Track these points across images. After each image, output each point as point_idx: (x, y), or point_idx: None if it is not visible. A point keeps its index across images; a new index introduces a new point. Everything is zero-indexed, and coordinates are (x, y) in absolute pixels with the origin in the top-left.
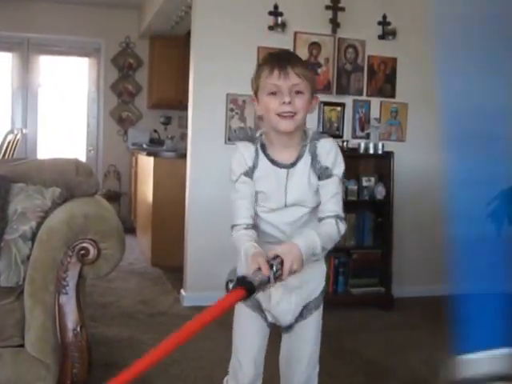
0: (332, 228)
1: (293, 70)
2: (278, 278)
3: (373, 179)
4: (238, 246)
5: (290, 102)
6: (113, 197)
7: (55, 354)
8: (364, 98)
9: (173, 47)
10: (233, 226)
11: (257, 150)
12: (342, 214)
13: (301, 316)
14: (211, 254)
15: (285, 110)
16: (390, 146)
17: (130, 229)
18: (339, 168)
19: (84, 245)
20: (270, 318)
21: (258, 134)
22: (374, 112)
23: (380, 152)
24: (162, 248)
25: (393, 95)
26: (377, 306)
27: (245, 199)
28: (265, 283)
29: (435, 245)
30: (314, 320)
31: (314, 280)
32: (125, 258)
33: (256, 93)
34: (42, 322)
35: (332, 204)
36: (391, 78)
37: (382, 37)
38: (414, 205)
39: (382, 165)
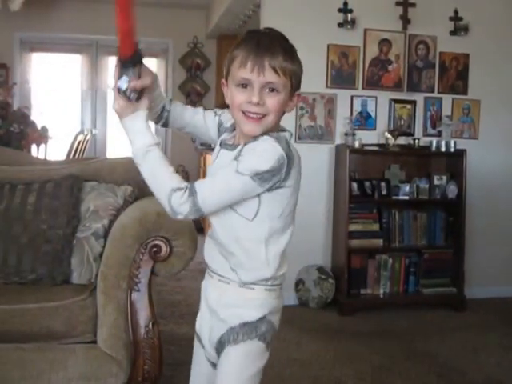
0: (170, 182)
1: (270, 63)
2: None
3: (444, 178)
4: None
5: (258, 103)
6: None
7: (127, 350)
8: (435, 95)
9: None
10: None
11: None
12: (197, 186)
13: (217, 350)
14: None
15: (251, 109)
16: (463, 144)
17: (199, 229)
18: (246, 162)
19: (156, 242)
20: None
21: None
22: (446, 109)
23: (452, 150)
24: None
25: (465, 92)
26: (448, 307)
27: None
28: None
29: (509, 244)
30: (233, 355)
31: (234, 306)
32: (194, 257)
33: (226, 76)
34: (115, 319)
35: (200, 181)
36: (463, 75)
37: (453, 32)
38: (486, 204)
39: (454, 163)
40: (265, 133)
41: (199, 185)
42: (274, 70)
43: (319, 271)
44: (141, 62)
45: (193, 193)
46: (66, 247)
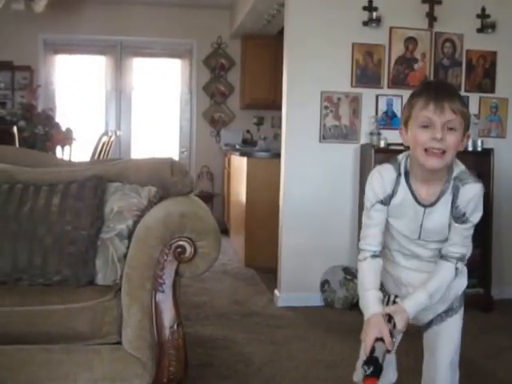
0: (450, 277)
1: (449, 105)
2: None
3: None
4: (361, 281)
5: (441, 139)
6: (206, 198)
7: (152, 351)
8: (462, 93)
9: (265, 46)
10: (360, 250)
11: (398, 177)
12: (465, 255)
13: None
14: (306, 255)
15: (435, 146)
16: (490, 143)
17: (222, 230)
18: (476, 216)
19: (180, 243)
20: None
21: (401, 158)
22: (473, 108)
23: (479, 149)
24: (256, 249)
25: (492, 90)
26: (476, 308)
27: (376, 227)
28: (385, 355)
29: None
30: (452, 323)
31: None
32: (218, 258)
33: (406, 122)
34: (139, 320)
35: (459, 247)
36: (491, 73)
37: (480, 30)
38: None
39: (481, 162)
40: (462, 174)
41: (465, 251)
42: (453, 110)
43: (345, 271)
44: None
45: (464, 257)
46: (90, 248)
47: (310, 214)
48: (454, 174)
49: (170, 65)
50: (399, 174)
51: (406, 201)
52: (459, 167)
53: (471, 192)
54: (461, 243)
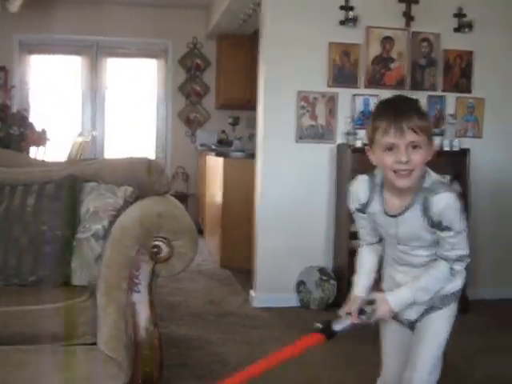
0: (441, 275)
1: (408, 125)
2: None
3: (448, 177)
4: (357, 264)
5: (407, 161)
6: (180, 198)
7: (127, 352)
8: (439, 93)
9: (240, 46)
10: (359, 243)
11: (372, 188)
12: (462, 256)
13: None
14: (282, 255)
15: (401, 168)
16: (467, 143)
17: (197, 230)
18: (457, 224)
19: (157, 243)
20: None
21: (379, 169)
22: (450, 108)
23: (456, 149)
24: (231, 249)
25: (469, 90)
26: None
27: (364, 228)
28: (348, 328)
29: None
30: (438, 317)
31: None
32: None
33: (371, 144)
34: (115, 320)
35: (451, 251)
36: (467, 73)
37: (457, 29)
38: (491, 204)
39: (457, 162)
40: (433, 185)
41: (460, 252)
42: (413, 130)
43: (320, 272)
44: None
45: (461, 257)
46: (65, 249)
47: (286, 215)
48: (425, 185)
49: (146, 65)
50: (374, 185)
51: (379, 211)
52: (431, 177)
53: (442, 202)
54: (451, 248)
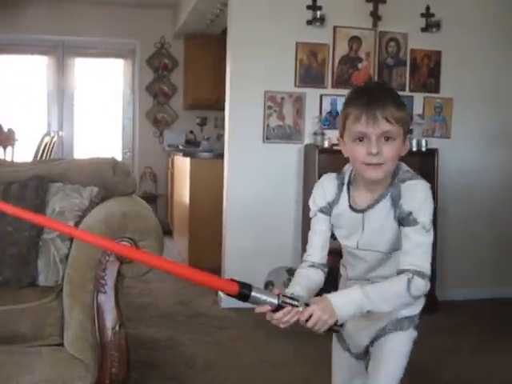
0: (398, 287)
1: (382, 114)
2: (292, 310)
3: None
4: (293, 280)
5: (377, 153)
6: (149, 199)
7: (94, 353)
8: (407, 93)
9: (208, 46)
10: (302, 260)
11: (340, 186)
12: (424, 269)
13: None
14: (250, 256)
15: (372, 161)
16: (434, 143)
17: (166, 231)
18: (424, 215)
19: (122, 243)
20: (352, 349)
21: (346, 168)
22: (417, 108)
23: (423, 149)
24: (200, 249)
25: (437, 90)
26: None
27: (320, 236)
28: (267, 302)
29: (482, 245)
30: (393, 340)
31: (383, 319)
32: None
33: (342, 134)
34: (81, 321)
35: (412, 256)
36: (435, 73)
37: (425, 29)
38: (459, 204)
39: (425, 162)
40: (404, 174)
41: (421, 263)
42: (387, 120)
43: (288, 272)
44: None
45: (422, 274)
46: (31, 249)
47: (254, 215)
48: (397, 177)
49: (113, 65)
50: (342, 184)
51: (345, 209)
52: (401, 169)
53: (412, 187)
54: (412, 252)
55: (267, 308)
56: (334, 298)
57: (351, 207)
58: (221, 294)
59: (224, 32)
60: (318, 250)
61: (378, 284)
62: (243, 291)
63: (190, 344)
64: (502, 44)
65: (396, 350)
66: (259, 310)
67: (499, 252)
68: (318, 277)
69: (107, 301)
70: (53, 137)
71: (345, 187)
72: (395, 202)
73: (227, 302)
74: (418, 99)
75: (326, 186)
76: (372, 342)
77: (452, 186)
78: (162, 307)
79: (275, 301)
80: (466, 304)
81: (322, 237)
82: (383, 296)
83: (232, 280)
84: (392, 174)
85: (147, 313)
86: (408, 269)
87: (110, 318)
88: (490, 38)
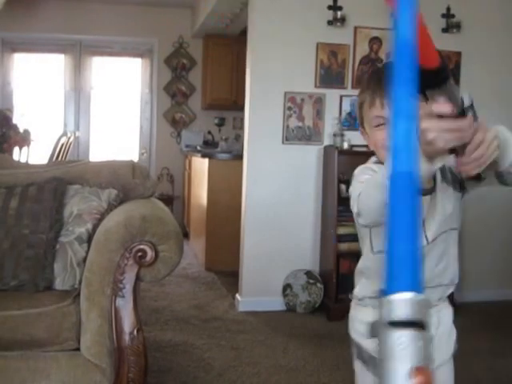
0: None
1: None
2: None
3: None
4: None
5: None
6: (166, 200)
7: (111, 357)
8: None
9: (227, 46)
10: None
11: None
12: None
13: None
14: (267, 259)
15: None
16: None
17: (182, 233)
18: None
19: (141, 247)
20: None
21: (371, 161)
22: None
23: None
24: (217, 252)
25: None
26: None
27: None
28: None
29: (498, 247)
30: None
31: (445, 323)
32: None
33: (361, 123)
34: (99, 326)
35: None
36: (455, 74)
37: (445, 30)
38: (473, 205)
39: None
40: None
41: None
42: None
43: (307, 275)
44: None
45: None
46: (48, 252)
47: (273, 217)
48: None
49: (131, 64)
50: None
51: None
52: None
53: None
54: None
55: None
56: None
57: None
58: (238, 297)
59: (243, 32)
60: None
61: None
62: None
63: (206, 348)
64: None
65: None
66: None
67: None
68: None
69: (125, 305)
70: (69, 137)
71: None
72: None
73: (244, 305)
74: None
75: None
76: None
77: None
78: (178, 311)
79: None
80: (481, 306)
81: None
82: None
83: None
84: None
85: (163, 316)
86: None
87: (127, 323)
88: (509, 39)
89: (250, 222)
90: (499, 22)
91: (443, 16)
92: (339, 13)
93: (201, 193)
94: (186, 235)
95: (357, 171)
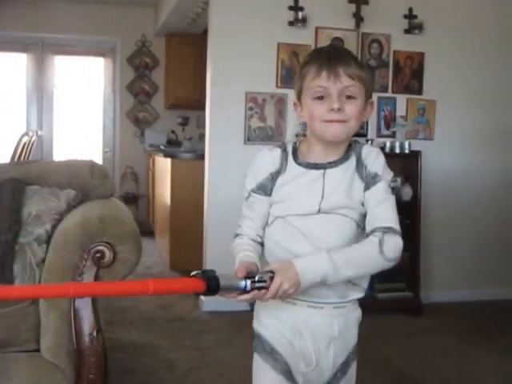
0: (369, 248)
1: (344, 70)
2: (260, 292)
3: (399, 180)
4: (235, 254)
5: (339, 109)
6: (131, 199)
7: (71, 359)
8: (389, 94)
9: (189, 45)
10: (236, 235)
11: (284, 153)
12: (394, 226)
13: (341, 372)
14: (230, 258)
15: (333, 118)
16: (418, 145)
17: (148, 232)
18: (388, 174)
19: (100, 248)
20: (300, 383)
21: (288, 140)
22: (401, 109)
23: (407, 151)
24: (181, 251)
25: (420, 92)
26: (404, 312)
27: (254, 220)
28: (235, 289)
29: (466, 248)
30: (353, 375)
31: (351, 326)
32: (143, 261)
33: (299, 97)
34: (58, 327)
35: (381, 210)
36: (418, 74)
37: (408, 31)
38: (443, 206)
39: (408, 164)
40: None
41: (390, 217)
42: (350, 76)
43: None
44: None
45: (393, 231)
46: (7, 253)
47: (235, 216)
48: (355, 143)
49: (93, 63)
50: (285, 150)
51: (297, 173)
52: (357, 141)
53: (372, 152)
54: (382, 207)
55: (235, 295)
56: (299, 265)
57: (307, 165)
58: (202, 297)
59: (206, 31)
60: (254, 231)
61: (344, 249)
62: (212, 287)
63: (170, 349)
64: (484, 46)
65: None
66: (228, 297)
67: (483, 254)
68: (258, 249)
69: (84, 306)
70: (31, 136)
71: (290, 154)
72: (360, 163)
73: (209, 305)
74: (401, 101)
75: (269, 159)
76: (335, 376)
77: (435, 187)
78: (143, 311)
79: (242, 285)
80: (451, 307)
81: (257, 221)
82: (352, 263)
83: (195, 276)
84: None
85: (128, 316)
86: (378, 227)
87: (87, 324)
88: (472, 40)
89: (213, 220)
90: (460, 22)
91: (406, 17)
92: (300, 13)
93: (164, 192)
94: (151, 234)
95: (259, 159)
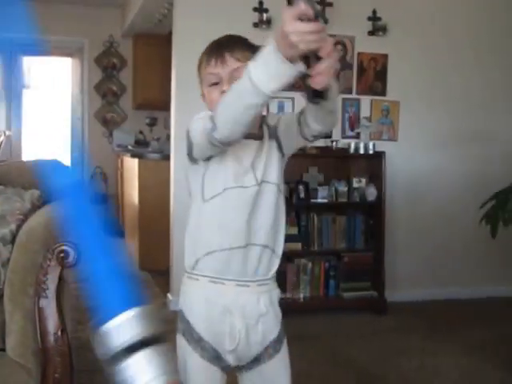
0: None
1: (231, 54)
2: None
3: (364, 180)
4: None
5: None
6: (100, 199)
7: (36, 358)
8: (353, 96)
9: (156, 46)
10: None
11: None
12: None
13: (273, 348)
14: None
15: None
16: (382, 146)
17: (117, 232)
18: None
19: (64, 248)
20: (232, 361)
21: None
22: (365, 111)
23: (371, 152)
24: (150, 251)
25: (384, 93)
26: (369, 311)
27: None
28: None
29: (430, 247)
30: (287, 352)
31: (275, 302)
32: None
33: (201, 85)
34: (22, 326)
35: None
36: (382, 76)
37: (371, 33)
38: (406, 206)
39: (373, 165)
40: None
41: None
42: (237, 59)
43: None
44: None
45: None
46: None
47: None
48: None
49: (62, 64)
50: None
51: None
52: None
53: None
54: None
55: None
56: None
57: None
58: (169, 296)
59: (171, 32)
60: None
61: None
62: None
63: None
64: (446, 47)
65: (287, 374)
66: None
67: (446, 253)
68: None
69: (49, 306)
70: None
71: None
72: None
73: (176, 304)
74: (365, 102)
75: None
76: (262, 355)
77: (400, 188)
78: None
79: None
80: (415, 305)
81: None
82: None
83: None
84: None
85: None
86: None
87: (51, 324)
88: (436, 42)
89: (179, 220)
90: (425, 23)
91: (369, 19)
92: (265, 15)
93: (132, 192)
94: (121, 234)
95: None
